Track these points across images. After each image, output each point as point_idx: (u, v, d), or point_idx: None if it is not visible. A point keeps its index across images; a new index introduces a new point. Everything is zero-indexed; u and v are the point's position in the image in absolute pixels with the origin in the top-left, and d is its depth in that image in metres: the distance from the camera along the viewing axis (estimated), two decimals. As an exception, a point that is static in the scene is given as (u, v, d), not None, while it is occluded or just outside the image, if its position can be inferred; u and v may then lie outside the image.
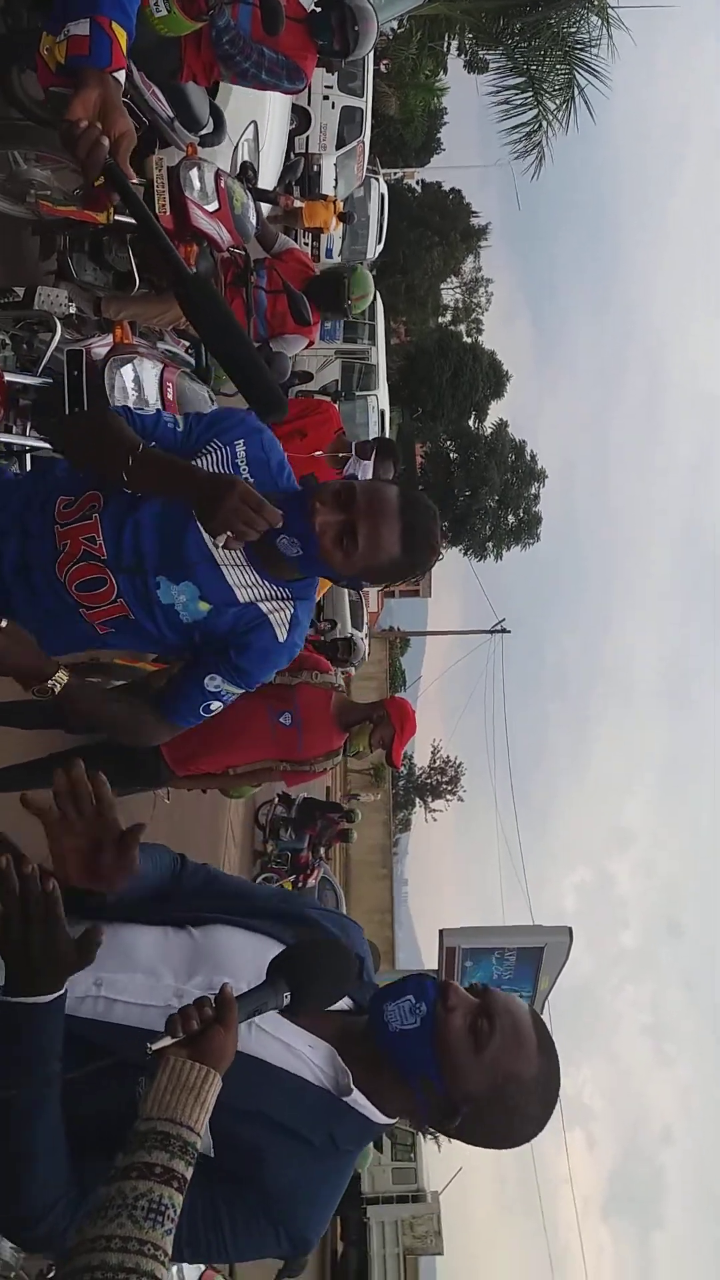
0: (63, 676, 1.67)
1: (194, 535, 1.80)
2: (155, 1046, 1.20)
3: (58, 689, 1.66)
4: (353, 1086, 1.43)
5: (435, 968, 11.99)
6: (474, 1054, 1.41)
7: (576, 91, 12.23)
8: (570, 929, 12.56)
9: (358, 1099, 1.44)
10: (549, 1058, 1.47)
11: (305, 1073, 1.43)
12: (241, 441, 1.88)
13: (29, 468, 3.10)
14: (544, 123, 12.41)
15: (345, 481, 1.84)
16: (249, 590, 1.86)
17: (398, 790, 39.44)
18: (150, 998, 1.41)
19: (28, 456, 3.07)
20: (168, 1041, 1.20)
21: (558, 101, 12.40)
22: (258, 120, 6.16)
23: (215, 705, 1.91)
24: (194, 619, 1.83)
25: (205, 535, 1.80)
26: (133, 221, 4.13)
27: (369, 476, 5.11)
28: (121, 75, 1.58)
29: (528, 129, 12.81)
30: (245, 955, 1.47)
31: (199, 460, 1.84)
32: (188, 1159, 1.13)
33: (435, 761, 43.88)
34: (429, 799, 44.24)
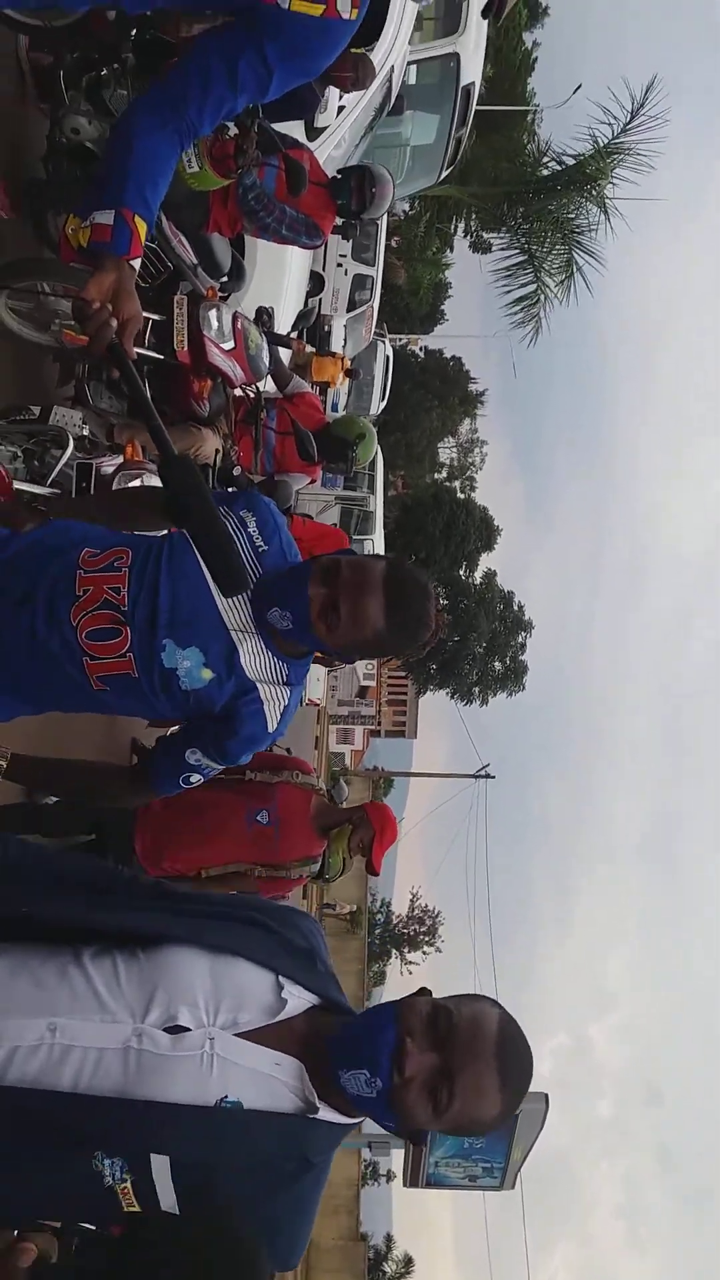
0: (1, 763, 1.68)
1: (209, 598, 1.84)
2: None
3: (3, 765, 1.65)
4: (319, 1104, 1.38)
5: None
6: (434, 1118, 1.37)
7: (575, 270, 13.06)
8: (546, 1095, 11.94)
9: (325, 1113, 1.40)
10: (517, 1083, 1.41)
11: (271, 1099, 1.37)
12: (251, 514, 1.95)
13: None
14: (542, 297, 13.20)
15: (333, 556, 1.86)
16: (255, 665, 1.87)
17: (373, 940, 38.22)
18: (107, 1040, 1.33)
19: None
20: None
21: (557, 279, 13.23)
22: (277, 272, 6.54)
23: (195, 778, 1.94)
24: (193, 687, 1.83)
25: (220, 602, 1.84)
26: (153, 355, 4.34)
27: None
28: (137, 264, 1.76)
29: (527, 303, 13.60)
30: (200, 975, 1.40)
31: None
32: None
33: (414, 910, 42.79)
34: (405, 950, 42.87)
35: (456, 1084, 1.36)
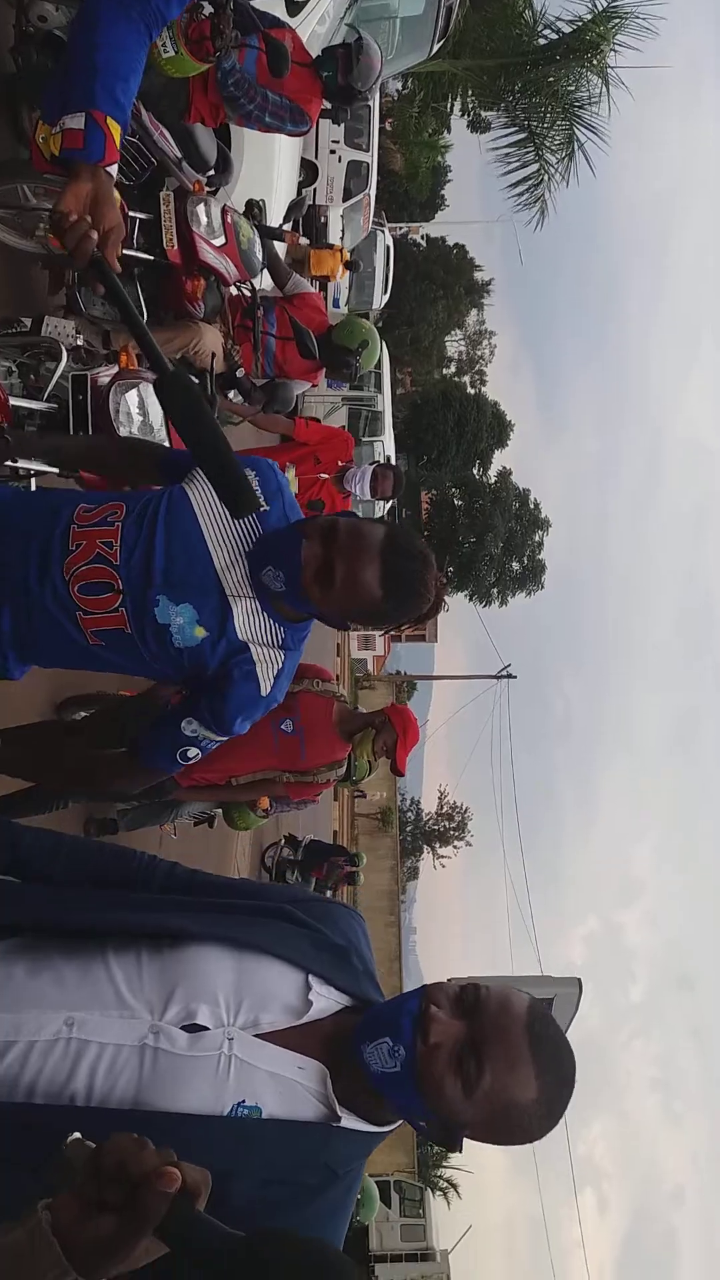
0: None
1: (205, 555, 1.82)
2: (76, 1139, 0.96)
3: None
4: (340, 1113, 1.32)
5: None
6: (463, 1097, 1.29)
7: (576, 146, 12.48)
8: (580, 980, 12.37)
9: (350, 1122, 1.33)
10: (553, 1071, 1.32)
11: (292, 1105, 1.31)
12: (253, 473, 1.88)
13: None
14: (545, 177, 12.66)
15: (332, 518, 1.81)
16: (249, 626, 1.85)
17: (405, 837, 39.10)
18: (124, 1036, 1.29)
19: (32, 480, 3.07)
20: (85, 1149, 0.93)
21: (558, 156, 12.66)
22: (267, 162, 6.29)
23: (193, 752, 1.89)
24: (186, 644, 1.81)
25: (216, 560, 1.81)
26: (143, 256, 4.22)
27: (367, 486, 5.12)
28: (114, 169, 1.64)
29: (529, 183, 13.06)
30: (224, 973, 1.35)
31: (196, 483, 1.87)
32: None
33: (442, 807, 43.64)
34: (436, 845, 43.88)
35: (484, 1053, 1.29)
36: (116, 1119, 1.18)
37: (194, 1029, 1.30)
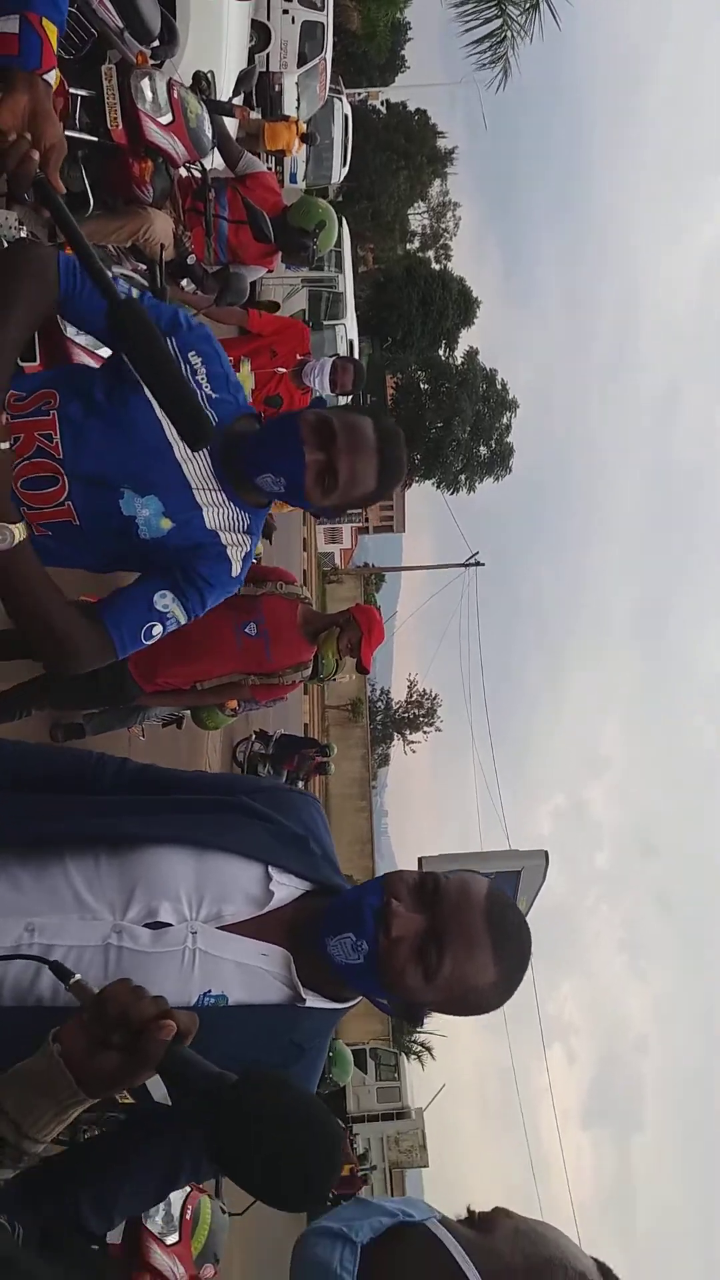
0: (22, 530, 1.49)
1: (165, 449, 1.74)
2: (74, 982, 1.10)
3: (12, 541, 1.48)
4: (305, 994, 1.37)
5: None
6: (424, 983, 1.34)
7: (540, 1, 11.80)
8: (546, 852, 12.77)
9: (314, 1001, 1.39)
10: (511, 952, 1.37)
11: (258, 991, 1.36)
12: (199, 358, 1.79)
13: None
14: (508, 34, 11.99)
15: (321, 415, 1.78)
16: (216, 514, 1.81)
17: (375, 725, 39.74)
18: (87, 937, 1.31)
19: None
20: (89, 996, 1.08)
21: (521, 8, 11.96)
22: (214, 29, 5.92)
23: (156, 630, 1.81)
24: (152, 535, 1.76)
25: (177, 451, 1.75)
26: (86, 138, 4.00)
27: (326, 380, 5.03)
28: (52, 76, 1.49)
29: (492, 40, 12.37)
30: (184, 872, 1.37)
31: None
32: (16, 1167, 1.06)
33: (412, 695, 44.27)
34: (406, 732, 44.69)
35: (446, 944, 1.32)
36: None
37: (157, 926, 1.33)
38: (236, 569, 1.86)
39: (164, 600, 1.79)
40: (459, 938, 1.33)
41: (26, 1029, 1.13)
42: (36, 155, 1.41)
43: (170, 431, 1.72)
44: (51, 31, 1.48)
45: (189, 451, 1.76)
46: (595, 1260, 1.01)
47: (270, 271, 5.33)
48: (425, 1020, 1.44)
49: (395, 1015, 1.45)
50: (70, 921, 1.32)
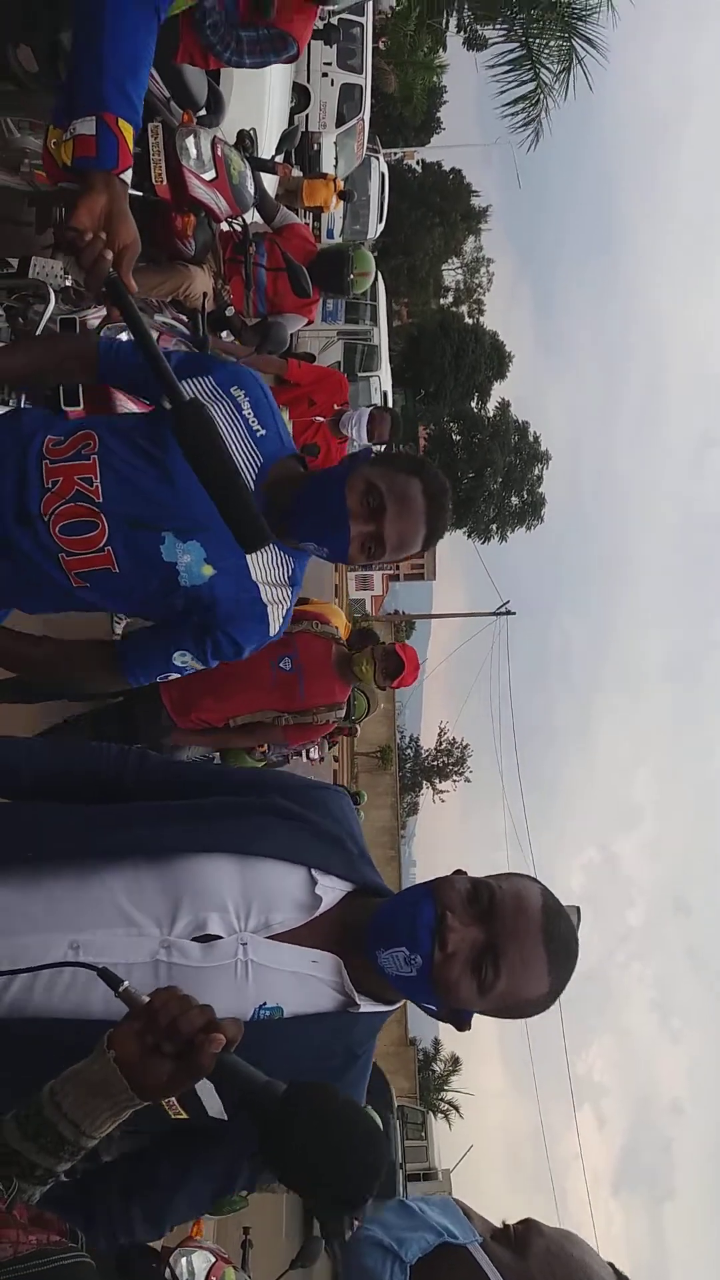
0: None
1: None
2: (126, 989, 1.10)
3: None
4: (359, 1000, 1.35)
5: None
6: (478, 997, 1.32)
7: (575, 61, 12.06)
8: (578, 908, 12.55)
9: (366, 1006, 1.37)
10: (563, 963, 1.34)
11: (312, 999, 1.34)
12: (242, 392, 1.78)
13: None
14: (542, 96, 12.25)
15: (371, 483, 1.72)
16: (260, 561, 1.76)
17: (404, 773, 39.47)
18: (134, 954, 1.29)
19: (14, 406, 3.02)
20: (140, 1004, 1.08)
21: (555, 72, 12.23)
22: (257, 90, 6.08)
23: (172, 676, 1.84)
24: (192, 583, 1.71)
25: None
26: (131, 193, 4.09)
27: (363, 430, 5.06)
28: (129, 175, 1.53)
29: (526, 103, 12.64)
30: (229, 882, 1.34)
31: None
32: (73, 1159, 1.07)
33: (441, 744, 43.95)
34: (435, 780, 44.30)
35: (502, 960, 1.30)
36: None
37: (205, 939, 1.30)
38: (274, 629, 1.82)
39: (183, 659, 1.80)
40: (516, 954, 1.31)
41: (80, 1041, 1.12)
42: (110, 255, 1.44)
43: None
44: (127, 131, 1.51)
45: None
46: (610, 1264, 1.08)
47: (310, 323, 5.40)
48: (470, 1026, 1.40)
49: (441, 1019, 1.42)
50: (116, 938, 1.29)
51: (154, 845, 1.36)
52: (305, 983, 1.34)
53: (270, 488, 1.76)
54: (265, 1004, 1.31)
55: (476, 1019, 1.40)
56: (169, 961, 1.28)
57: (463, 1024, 1.39)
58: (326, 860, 1.42)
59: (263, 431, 1.77)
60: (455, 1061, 40.71)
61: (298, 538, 1.76)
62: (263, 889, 1.34)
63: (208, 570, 1.71)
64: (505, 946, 1.30)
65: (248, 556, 1.73)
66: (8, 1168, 1.03)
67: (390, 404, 18.39)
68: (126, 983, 1.10)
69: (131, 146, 1.52)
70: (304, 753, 6.44)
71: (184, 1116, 1.09)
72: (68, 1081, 1.07)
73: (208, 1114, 1.08)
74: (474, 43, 19.36)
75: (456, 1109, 32.81)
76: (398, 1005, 1.44)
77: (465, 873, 1.41)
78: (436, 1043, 40.48)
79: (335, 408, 5.14)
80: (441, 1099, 32.04)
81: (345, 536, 1.71)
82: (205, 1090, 1.08)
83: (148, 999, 1.08)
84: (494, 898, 1.33)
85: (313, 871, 1.39)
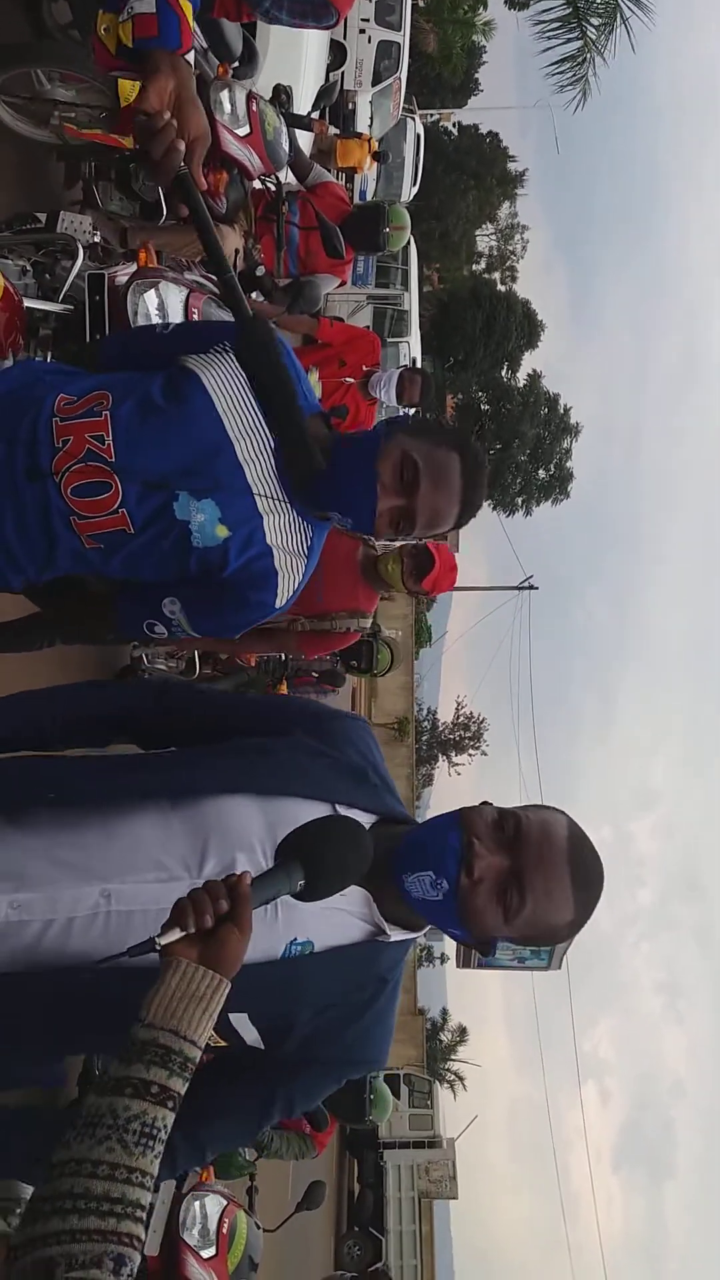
0: None
1: (226, 447, 1.64)
2: (163, 941, 1.10)
3: None
4: (388, 930, 1.38)
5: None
6: (504, 924, 1.34)
7: (620, 21, 11.71)
8: (569, 817, 12.56)
9: (395, 934, 1.39)
10: (588, 890, 1.36)
11: (342, 932, 1.37)
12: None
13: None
14: (589, 55, 11.92)
15: (407, 454, 1.64)
16: (276, 524, 1.69)
17: (420, 745, 39.53)
18: (166, 899, 1.26)
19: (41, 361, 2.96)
20: (177, 935, 1.10)
21: (599, 30, 11.88)
22: (294, 45, 5.93)
23: (159, 629, 1.77)
24: (204, 544, 1.64)
25: (239, 450, 1.64)
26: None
27: (393, 392, 4.92)
28: (191, 57, 1.44)
29: (572, 62, 12.32)
30: (254, 821, 1.36)
31: (211, 368, 1.66)
32: (186, 1075, 1.06)
33: (458, 717, 43.94)
34: (452, 754, 44.34)
35: (527, 885, 1.32)
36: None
37: None
38: (282, 599, 1.75)
39: (173, 608, 1.74)
40: (541, 881, 1.32)
41: (118, 985, 1.16)
42: (182, 145, 1.35)
43: (232, 429, 1.63)
44: (187, 9, 1.41)
45: (253, 450, 1.65)
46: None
47: (342, 284, 5.28)
48: (495, 950, 1.42)
49: (467, 944, 1.44)
50: (147, 885, 1.31)
51: (178, 787, 1.38)
52: (334, 916, 1.35)
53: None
54: (296, 939, 1.32)
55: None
56: None
57: (488, 950, 1.41)
58: (351, 794, 1.43)
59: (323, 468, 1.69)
60: (462, 1032, 41.10)
61: (321, 505, 1.70)
62: (287, 826, 1.31)
63: (222, 531, 1.64)
64: (530, 874, 1.32)
65: (264, 519, 1.67)
66: (119, 1095, 1.02)
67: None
68: (154, 936, 1.11)
69: (192, 26, 1.43)
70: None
71: (224, 1045, 1.16)
72: (148, 1008, 1.08)
73: (245, 1042, 1.15)
74: (515, 1, 18.90)
75: (462, 1080, 33.13)
76: (424, 930, 1.45)
77: (491, 804, 1.43)
78: (444, 1012, 40.87)
79: (365, 369, 5.01)
80: (448, 1069, 32.35)
81: (372, 507, 1.65)
82: (241, 1021, 1.15)
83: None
84: (520, 826, 1.35)
85: (337, 806, 1.40)
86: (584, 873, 1.35)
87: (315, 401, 1.79)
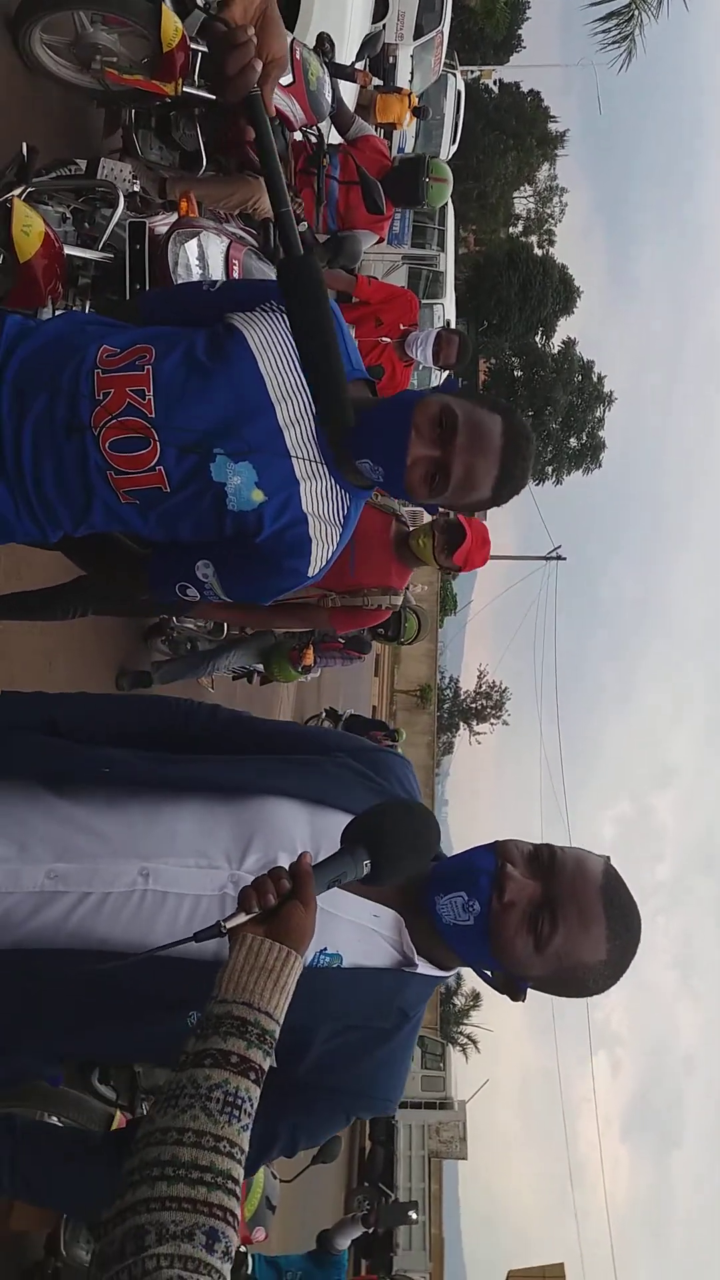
0: None
1: (267, 409, 1.60)
2: (230, 924, 1.10)
3: None
4: (417, 960, 1.36)
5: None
6: (535, 953, 1.31)
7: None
8: (608, 858, 12.57)
9: (422, 967, 1.37)
10: (623, 932, 1.33)
11: (370, 953, 1.34)
12: None
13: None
14: (636, 11, 11.62)
15: (445, 404, 1.60)
16: (313, 490, 1.66)
17: (442, 714, 39.57)
18: (204, 887, 1.29)
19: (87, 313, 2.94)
20: (243, 918, 1.10)
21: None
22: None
23: (191, 591, 1.75)
24: (240, 508, 1.60)
25: (280, 413, 1.60)
26: (204, 95, 3.93)
27: (429, 352, 4.85)
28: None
29: (619, 19, 12.01)
30: (298, 824, 1.36)
31: (256, 327, 1.63)
32: (266, 1048, 1.04)
33: (481, 686, 43.95)
34: (473, 722, 44.40)
35: (559, 913, 1.29)
36: (198, 969, 1.18)
37: None
38: (315, 568, 1.71)
39: (205, 571, 1.72)
40: (573, 909, 1.30)
41: (137, 978, 1.14)
42: (259, 66, 1.31)
43: (274, 391, 1.60)
44: None
45: (293, 414, 1.62)
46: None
47: (380, 240, 5.20)
48: (525, 995, 1.39)
49: (495, 986, 1.40)
50: (187, 869, 1.30)
51: (228, 783, 1.38)
52: (365, 935, 1.34)
53: None
54: (325, 949, 1.30)
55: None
56: (235, 895, 1.27)
57: (518, 993, 1.37)
58: None
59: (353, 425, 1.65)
60: (476, 997, 41.49)
61: (355, 454, 1.65)
62: (331, 836, 1.30)
63: (258, 495, 1.61)
64: (564, 902, 1.30)
65: (301, 485, 1.63)
66: (199, 1067, 1.01)
67: (453, 334, 17.96)
68: (220, 920, 1.11)
69: None
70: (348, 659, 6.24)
71: None
72: (219, 985, 1.07)
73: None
74: (563, -47, 18.37)
75: (475, 1043, 33.51)
76: (453, 971, 1.43)
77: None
78: (458, 976, 41.18)
79: (403, 328, 4.94)
80: (461, 1032, 32.71)
81: (404, 455, 1.59)
82: None
83: None
84: (555, 857, 1.34)
85: None
86: (619, 911, 1.32)
87: (360, 365, 1.75)
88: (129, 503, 1.63)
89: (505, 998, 1.41)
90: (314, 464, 1.65)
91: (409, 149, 14.51)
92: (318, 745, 1.53)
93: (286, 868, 1.14)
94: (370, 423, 1.63)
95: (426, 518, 3.09)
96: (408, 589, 3.52)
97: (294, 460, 1.62)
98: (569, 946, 1.30)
